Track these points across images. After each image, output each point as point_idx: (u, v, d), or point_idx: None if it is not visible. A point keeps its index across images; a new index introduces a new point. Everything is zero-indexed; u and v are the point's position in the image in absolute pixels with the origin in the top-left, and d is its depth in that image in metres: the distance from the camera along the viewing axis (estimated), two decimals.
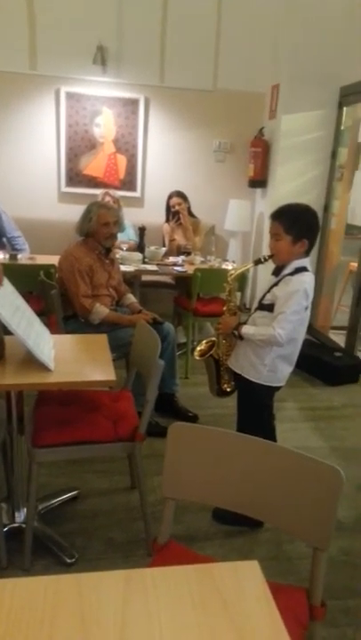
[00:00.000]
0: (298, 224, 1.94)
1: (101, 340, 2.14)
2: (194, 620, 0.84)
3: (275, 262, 2.05)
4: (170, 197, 4.38)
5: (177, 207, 4.29)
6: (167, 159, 4.88)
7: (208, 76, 4.72)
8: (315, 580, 1.19)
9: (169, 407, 3.09)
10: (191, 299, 3.71)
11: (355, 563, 2.05)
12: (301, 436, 2.99)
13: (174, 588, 0.91)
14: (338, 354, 3.91)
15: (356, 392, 3.70)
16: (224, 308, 2.18)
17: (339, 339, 4.45)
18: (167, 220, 4.43)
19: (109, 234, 2.92)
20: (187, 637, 0.81)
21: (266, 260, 2.04)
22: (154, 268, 3.90)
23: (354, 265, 4.42)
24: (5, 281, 1.83)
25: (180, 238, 4.36)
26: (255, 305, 2.13)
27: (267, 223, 4.70)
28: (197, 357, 2.26)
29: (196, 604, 0.87)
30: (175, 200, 4.33)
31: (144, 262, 3.98)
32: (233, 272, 2.16)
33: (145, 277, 4.08)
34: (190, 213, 4.42)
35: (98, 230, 2.90)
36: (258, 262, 2.06)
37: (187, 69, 4.65)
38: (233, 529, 2.18)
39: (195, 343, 4.04)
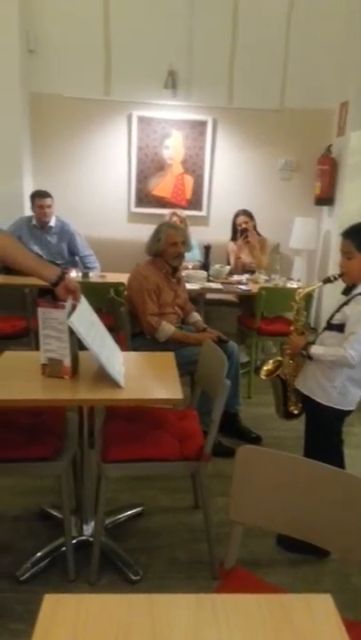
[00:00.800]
0: None
1: (169, 358, 2.17)
2: None
3: (345, 281, 2.01)
4: (236, 216, 4.40)
5: (244, 225, 4.30)
6: (233, 178, 4.92)
7: (275, 95, 4.74)
8: None
9: (232, 427, 3.07)
10: (255, 317, 3.69)
11: None
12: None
13: (245, 616, 0.90)
14: None
15: None
16: (291, 328, 2.16)
17: None
18: (233, 239, 4.44)
19: (177, 253, 2.98)
20: None
21: (336, 278, 2.00)
22: (218, 286, 3.92)
23: None
24: (82, 299, 1.91)
25: (245, 257, 4.36)
26: (323, 325, 2.09)
27: (333, 241, 4.65)
28: (264, 377, 2.24)
29: (268, 635, 0.86)
30: (242, 218, 4.34)
31: (209, 280, 4.01)
32: (301, 291, 2.13)
33: (209, 295, 4.10)
34: (256, 232, 4.42)
35: (166, 250, 2.96)
36: (327, 281, 2.03)
37: (254, 90, 4.69)
38: (298, 556, 2.12)
39: (258, 362, 4.01)
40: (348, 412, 2.07)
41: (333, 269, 4.57)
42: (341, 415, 2.08)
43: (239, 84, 4.69)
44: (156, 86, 4.59)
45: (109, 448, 1.92)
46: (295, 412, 2.25)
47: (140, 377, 1.98)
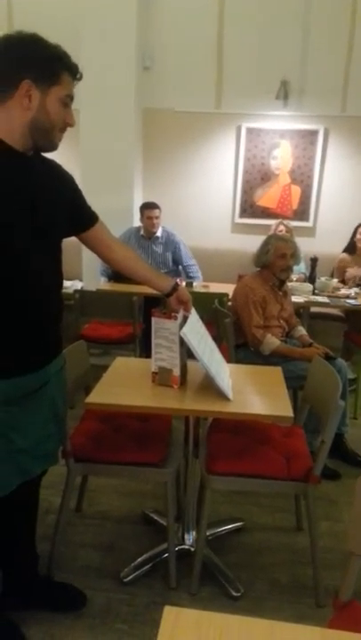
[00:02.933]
0: None
1: (276, 373, 2.13)
2: None
3: None
4: (358, 227, 4.20)
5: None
6: (343, 188, 4.74)
7: None
8: None
9: (336, 448, 2.93)
10: None
11: None
12: None
13: None
14: None
15: None
16: None
17: None
18: (347, 251, 4.25)
19: (286, 266, 2.92)
20: None
21: None
22: (325, 299, 3.78)
23: None
24: (193, 309, 1.93)
25: (355, 269, 4.17)
26: None
27: None
28: None
29: None
30: None
31: (314, 293, 3.88)
32: None
33: (314, 309, 3.98)
34: None
35: (274, 262, 2.92)
36: None
37: None
38: None
39: None
40: None
41: None
42: None
43: (353, 92, 4.51)
44: (268, 97, 4.56)
45: (215, 460, 1.91)
46: None
47: (247, 390, 1.95)
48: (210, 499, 1.92)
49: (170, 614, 0.90)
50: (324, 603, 1.91)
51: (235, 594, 1.92)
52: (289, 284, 3.69)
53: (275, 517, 2.42)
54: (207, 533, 2.18)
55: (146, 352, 3.43)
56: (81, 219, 1.70)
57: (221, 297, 3.48)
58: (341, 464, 2.86)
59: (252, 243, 3.07)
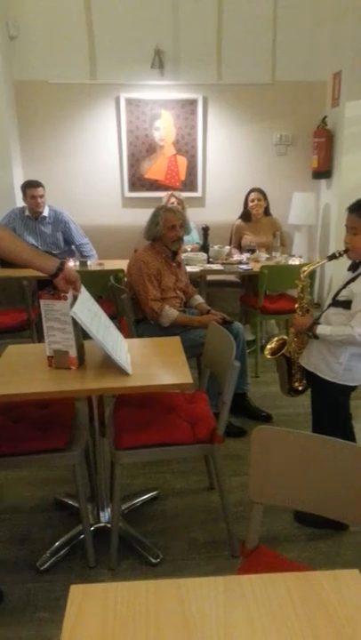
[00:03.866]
0: None
1: (175, 342, 2.16)
2: (298, 629, 0.83)
3: (350, 258, 1.98)
4: (249, 193, 4.31)
5: (255, 202, 4.23)
6: (228, 157, 4.85)
7: (266, 69, 4.64)
8: None
9: (241, 407, 3.07)
10: (258, 297, 3.67)
11: None
12: None
13: (275, 595, 0.90)
14: None
15: None
16: (296, 306, 2.13)
17: None
18: (242, 218, 4.37)
19: (176, 237, 2.95)
20: None
21: (341, 255, 1.97)
22: (219, 267, 3.88)
23: None
24: (83, 289, 1.88)
25: (251, 235, 4.31)
26: (328, 301, 2.06)
27: (333, 215, 4.60)
28: (268, 356, 2.23)
29: (298, 612, 0.86)
30: (254, 195, 4.25)
31: (209, 262, 3.98)
32: (306, 269, 2.11)
33: (210, 277, 4.08)
34: (267, 212, 4.35)
35: (165, 234, 2.93)
36: (332, 258, 2.00)
37: (244, 65, 4.60)
38: (316, 531, 2.13)
39: (263, 341, 4.00)
40: (354, 388, 2.06)
41: (334, 244, 4.55)
42: (347, 390, 2.07)
43: (228, 60, 4.59)
44: (143, 67, 4.50)
45: (122, 435, 1.92)
46: (300, 388, 2.25)
47: (148, 363, 1.97)
48: (121, 474, 1.92)
49: (76, 593, 0.90)
50: (238, 553, 2.01)
51: (154, 560, 1.97)
52: (184, 254, 3.74)
53: (188, 481, 2.50)
54: (123, 507, 2.20)
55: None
56: None
57: (117, 273, 3.44)
58: (247, 421, 3.01)
59: (145, 216, 3.05)
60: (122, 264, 3.54)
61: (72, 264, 3.81)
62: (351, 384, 2.02)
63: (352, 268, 1.99)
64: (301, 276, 2.10)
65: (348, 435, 2.19)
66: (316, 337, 2.00)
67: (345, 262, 2.06)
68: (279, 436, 1.30)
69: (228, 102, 4.71)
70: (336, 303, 1.97)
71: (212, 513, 2.27)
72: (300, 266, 2.29)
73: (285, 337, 2.21)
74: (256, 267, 3.75)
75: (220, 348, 2.06)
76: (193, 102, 4.66)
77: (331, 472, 1.25)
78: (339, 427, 2.13)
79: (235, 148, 4.83)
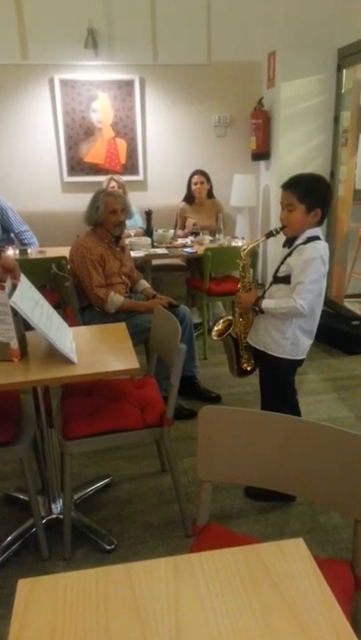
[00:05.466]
0: (311, 193, 1.90)
1: (120, 328, 2.14)
2: (246, 602, 0.85)
3: (287, 234, 2.02)
4: (192, 176, 4.30)
5: (198, 185, 4.23)
6: (167, 139, 4.81)
7: (202, 49, 4.61)
8: (358, 552, 1.19)
9: (191, 389, 3.10)
10: (204, 279, 3.69)
11: None
12: (326, 408, 2.98)
13: (223, 571, 0.92)
14: (355, 322, 3.88)
15: None
16: (239, 285, 2.16)
17: (354, 307, 4.41)
18: (186, 200, 4.36)
19: (117, 221, 2.90)
20: (241, 619, 0.82)
21: (278, 232, 2.01)
22: (164, 251, 3.87)
23: None
24: (22, 277, 1.83)
25: (195, 217, 4.31)
26: (270, 279, 2.10)
27: (273, 196, 4.67)
28: (215, 338, 2.25)
29: (246, 586, 0.88)
30: (197, 178, 4.25)
31: (153, 246, 3.95)
32: (245, 247, 2.13)
33: (155, 261, 4.06)
34: (210, 194, 4.36)
35: (106, 219, 2.88)
36: (270, 235, 2.03)
37: (179, 45, 4.55)
38: (266, 504, 2.20)
39: (210, 323, 4.04)
40: (300, 362, 2.13)
41: (275, 224, 4.63)
42: (294, 365, 2.13)
43: (163, 40, 4.52)
44: (77, 46, 4.36)
45: (70, 425, 1.89)
46: (248, 368, 2.29)
47: (94, 351, 1.94)
48: (71, 464, 1.90)
49: (24, 586, 0.88)
50: (192, 532, 2.05)
51: (108, 547, 1.97)
52: (127, 239, 3.70)
53: (140, 466, 2.51)
54: (75, 497, 2.19)
55: None
56: None
57: (59, 260, 3.37)
58: (197, 403, 3.04)
59: (86, 201, 2.98)
60: (64, 251, 3.46)
61: (11, 252, 3.69)
62: (297, 358, 2.08)
63: (287, 243, 2.03)
64: (242, 254, 2.12)
65: (295, 409, 2.26)
66: (261, 312, 2.03)
67: (282, 240, 2.10)
68: (225, 415, 1.32)
69: (165, 83, 4.66)
70: (277, 280, 2.01)
71: (164, 495, 2.29)
72: (242, 245, 2.32)
73: (231, 318, 2.24)
74: (200, 249, 3.77)
75: (166, 332, 2.06)
76: (130, 83, 4.58)
77: (276, 446, 1.28)
78: (286, 402, 2.19)
79: (174, 129, 4.79)
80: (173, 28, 4.49)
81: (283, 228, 1.98)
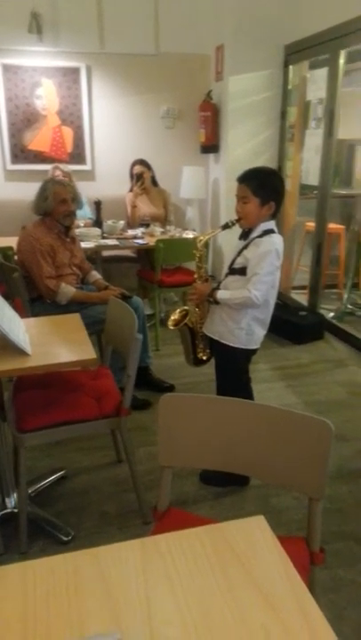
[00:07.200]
0: (265, 187, 1.95)
1: (75, 319, 2.12)
2: (213, 580, 0.88)
3: (242, 226, 2.06)
4: (133, 165, 4.30)
5: (143, 175, 4.24)
6: (116, 129, 4.76)
7: (149, 39, 4.58)
8: (313, 529, 1.25)
9: (144, 380, 3.11)
10: (155, 270, 3.70)
11: (339, 508, 2.17)
12: (277, 395, 3.08)
13: (189, 550, 0.94)
14: (303, 313, 4.02)
15: (322, 348, 3.83)
16: (195, 276, 2.19)
17: (301, 298, 4.56)
18: (131, 190, 4.34)
19: (67, 211, 2.85)
20: (210, 596, 0.85)
21: (233, 224, 2.05)
22: (114, 242, 3.85)
23: (310, 225, 4.50)
24: None
25: (144, 206, 4.30)
26: (225, 270, 2.15)
27: (222, 189, 4.73)
28: (172, 327, 2.27)
29: (213, 564, 0.91)
30: (139, 168, 4.26)
31: (103, 237, 3.92)
32: (202, 238, 2.16)
33: (106, 253, 4.03)
34: (154, 183, 4.37)
35: (55, 208, 2.82)
36: (226, 227, 2.07)
37: (127, 34, 4.49)
38: (221, 489, 2.25)
39: (162, 315, 4.06)
40: (255, 351, 2.19)
41: (225, 217, 4.69)
42: (249, 354, 2.19)
43: (110, 28, 4.45)
44: (20, 31, 4.21)
45: (25, 418, 1.86)
46: (204, 357, 2.33)
47: (48, 342, 1.91)
48: (25, 458, 1.87)
49: None
50: (149, 519, 2.07)
51: (65, 538, 1.96)
52: (77, 230, 3.64)
53: (95, 457, 2.50)
54: (30, 491, 2.15)
55: None
56: None
57: (5, 251, 3.27)
58: (151, 393, 3.05)
59: (31, 190, 2.91)
60: (10, 241, 3.36)
61: None
62: (252, 347, 2.14)
63: (243, 236, 2.08)
64: (198, 245, 2.15)
65: (249, 397, 2.32)
66: (217, 302, 2.07)
67: (234, 233, 2.14)
68: (185, 402, 1.35)
69: (112, 72, 4.60)
70: (233, 271, 2.05)
71: (121, 485, 2.30)
72: (196, 237, 2.35)
73: (187, 308, 2.27)
74: (152, 241, 3.77)
75: (121, 323, 2.06)
76: (76, 71, 4.48)
77: (236, 431, 1.32)
78: (241, 390, 2.24)
79: (123, 120, 4.75)
80: (121, 17, 4.43)
81: (238, 220, 2.03)
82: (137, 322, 1.91)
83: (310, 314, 4.08)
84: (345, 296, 4.50)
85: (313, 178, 4.27)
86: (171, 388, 3.13)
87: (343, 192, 5.23)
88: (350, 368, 3.49)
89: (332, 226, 4.42)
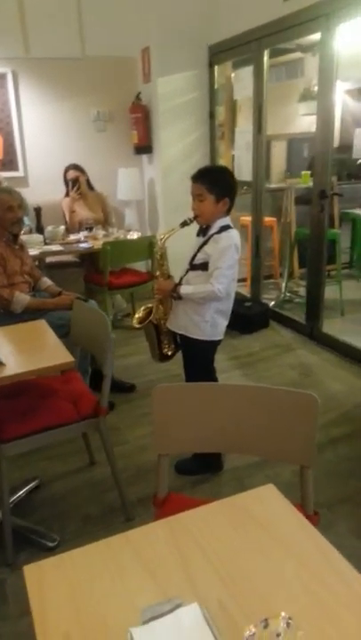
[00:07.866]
0: (219, 183, 2.05)
1: (41, 325, 2.13)
2: (242, 544, 0.95)
3: (199, 223, 2.15)
4: (66, 171, 4.29)
5: (79, 179, 4.23)
6: (47, 134, 4.69)
7: (75, 43, 4.56)
8: (306, 494, 1.36)
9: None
10: (103, 273, 3.71)
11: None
12: (236, 383, 3.20)
13: (213, 522, 1.01)
14: (248, 304, 4.18)
15: (269, 335, 4.01)
16: (157, 273, 2.25)
17: (244, 290, 4.73)
18: (67, 195, 4.32)
19: (15, 218, 2.81)
20: (244, 560, 0.92)
21: (191, 221, 2.13)
22: (58, 247, 3.82)
23: (245, 219, 4.68)
24: None
25: (82, 211, 4.29)
26: (185, 267, 2.22)
27: (158, 189, 4.81)
28: (137, 325, 2.31)
29: (238, 531, 0.98)
30: (72, 173, 4.25)
31: (46, 244, 3.88)
32: (163, 236, 2.22)
33: (49, 259, 3.98)
34: (90, 186, 4.37)
35: (2, 216, 2.77)
36: (184, 224, 2.14)
37: (52, 38, 4.44)
38: (197, 478, 2.33)
39: (111, 317, 4.07)
40: (219, 342, 2.28)
41: (163, 217, 4.77)
42: (214, 345, 2.28)
43: (35, 33, 4.38)
44: None
45: (3, 428, 1.84)
46: (169, 353, 2.39)
47: (21, 350, 1.90)
48: (7, 468, 1.85)
49: (31, 572, 0.90)
50: (132, 515, 2.11)
51: (51, 544, 1.95)
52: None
53: (68, 462, 2.49)
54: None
55: None
56: None
57: None
58: (113, 395, 3.05)
59: None
60: None
61: None
62: (217, 338, 2.22)
63: (201, 232, 2.16)
64: (160, 243, 2.21)
65: None
66: (180, 297, 2.14)
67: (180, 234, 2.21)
68: (176, 390, 1.41)
69: (39, 77, 4.53)
70: (194, 267, 2.13)
71: (98, 486, 2.32)
72: (150, 237, 2.40)
73: (151, 305, 2.32)
74: (96, 244, 3.78)
75: (90, 325, 2.08)
76: (2, 77, 4.38)
77: (227, 412, 1.40)
78: (209, 380, 2.32)
79: (53, 125, 4.69)
80: (44, 20, 4.37)
81: (195, 218, 2.11)
82: (109, 322, 1.94)
83: (255, 304, 4.25)
84: (283, 284, 4.72)
85: (245, 174, 4.45)
86: (132, 388, 3.16)
87: (273, 186, 5.47)
88: (298, 351, 3.69)
89: (266, 219, 4.63)
